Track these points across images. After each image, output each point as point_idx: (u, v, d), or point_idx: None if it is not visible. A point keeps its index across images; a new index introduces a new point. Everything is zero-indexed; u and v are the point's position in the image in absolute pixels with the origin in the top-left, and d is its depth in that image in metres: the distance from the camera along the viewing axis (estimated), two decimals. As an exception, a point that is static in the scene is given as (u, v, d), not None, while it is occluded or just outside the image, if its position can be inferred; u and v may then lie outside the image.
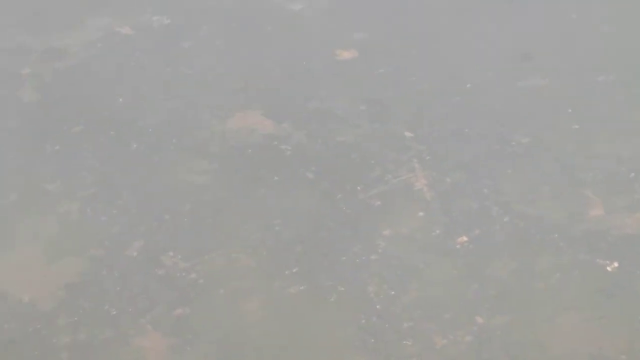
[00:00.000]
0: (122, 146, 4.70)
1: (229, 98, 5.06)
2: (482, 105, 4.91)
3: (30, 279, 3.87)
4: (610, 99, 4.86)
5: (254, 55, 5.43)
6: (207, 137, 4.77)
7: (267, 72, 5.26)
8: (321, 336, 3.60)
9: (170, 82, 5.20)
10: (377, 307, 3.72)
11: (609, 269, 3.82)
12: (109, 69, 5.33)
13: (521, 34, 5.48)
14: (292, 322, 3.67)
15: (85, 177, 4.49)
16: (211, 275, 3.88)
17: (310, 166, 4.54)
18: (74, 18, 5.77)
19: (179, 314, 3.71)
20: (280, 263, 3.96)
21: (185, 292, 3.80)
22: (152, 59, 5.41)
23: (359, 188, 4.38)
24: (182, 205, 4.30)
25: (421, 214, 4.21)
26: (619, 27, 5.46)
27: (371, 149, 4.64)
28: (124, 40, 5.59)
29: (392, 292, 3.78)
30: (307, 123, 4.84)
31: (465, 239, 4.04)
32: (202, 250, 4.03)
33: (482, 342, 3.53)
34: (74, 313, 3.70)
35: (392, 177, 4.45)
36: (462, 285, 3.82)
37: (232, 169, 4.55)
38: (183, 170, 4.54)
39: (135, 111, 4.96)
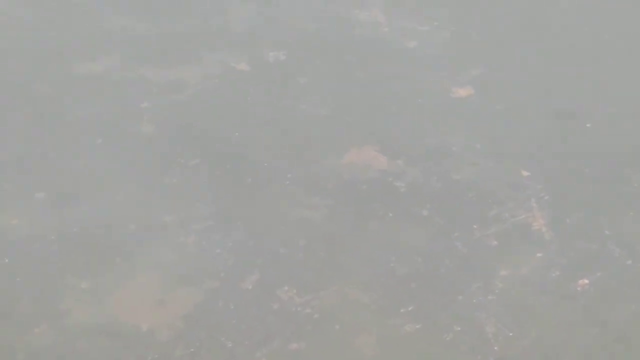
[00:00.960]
0: (237, 180, 4.73)
1: (344, 133, 5.06)
2: (602, 145, 4.81)
3: (149, 309, 3.91)
4: None
5: (368, 91, 5.42)
6: (321, 172, 4.77)
7: (382, 108, 5.25)
8: (437, 376, 3.55)
9: (285, 118, 5.23)
10: (495, 348, 3.65)
11: None
12: (225, 104, 5.38)
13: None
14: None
15: (201, 209, 4.53)
16: (326, 311, 3.87)
17: (425, 203, 4.50)
18: (192, 53, 5.85)
19: (294, 348, 3.70)
20: (395, 300, 3.92)
21: (301, 326, 3.79)
22: (268, 94, 5.45)
23: (475, 226, 4.33)
24: (297, 240, 4.31)
25: (539, 254, 4.13)
26: None
27: (487, 188, 4.58)
28: (240, 75, 5.65)
29: (510, 334, 3.71)
30: (422, 160, 4.81)
31: (586, 281, 3.95)
32: (317, 285, 4.01)
33: (605, 389, 3.43)
34: (191, 344, 3.72)
35: (510, 216, 4.38)
36: (582, 330, 3.72)
37: (347, 204, 4.54)
38: (297, 204, 4.55)
39: (249, 145, 5.00)
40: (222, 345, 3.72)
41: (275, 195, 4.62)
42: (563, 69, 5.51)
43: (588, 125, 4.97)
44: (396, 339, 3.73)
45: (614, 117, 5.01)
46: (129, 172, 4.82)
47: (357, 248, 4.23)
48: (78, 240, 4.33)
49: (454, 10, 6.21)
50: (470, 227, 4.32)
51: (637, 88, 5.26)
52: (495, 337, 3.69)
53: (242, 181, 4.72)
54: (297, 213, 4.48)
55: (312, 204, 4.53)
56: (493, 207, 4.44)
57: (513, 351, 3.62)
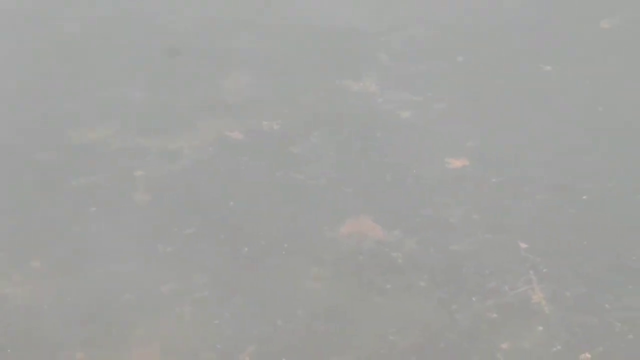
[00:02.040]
0: (233, 249, 4.70)
1: (340, 204, 5.04)
2: (600, 218, 4.81)
3: (146, 382, 3.85)
4: None
5: (363, 161, 5.42)
6: (318, 242, 4.74)
7: (377, 179, 5.25)
8: None
9: (280, 187, 5.21)
10: None
11: None
12: (220, 173, 5.37)
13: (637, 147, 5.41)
14: None
15: (197, 279, 4.48)
16: (326, 384, 3.82)
17: (423, 275, 4.48)
18: (188, 122, 5.85)
19: (295, 423, 3.64)
20: (396, 374, 3.88)
21: (301, 400, 3.74)
22: (262, 164, 5.44)
23: (474, 299, 4.30)
24: (295, 311, 4.27)
25: (540, 328, 4.10)
26: None
27: (486, 259, 4.56)
28: (234, 144, 5.65)
29: (514, 409, 3.67)
30: (419, 231, 4.79)
31: (588, 356, 3.92)
32: (316, 358, 3.97)
33: None
34: (189, 418, 3.66)
35: (509, 288, 4.36)
36: (586, 405, 3.69)
37: (344, 275, 4.51)
38: (294, 275, 4.52)
39: (245, 215, 4.97)
40: (221, 420, 3.65)
41: (272, 265, 4.59)
42: (559, 141, 5.52)
43: (584, 197, 4.97)
44: (398, 413, 3.68)
45: (611, 191, 5.02)
46: (124, 241, 4.78)
47: (357, 320, 4.19)
48: (72, 311, 4.27)
49: (448, 81, 6.24)
50: (469, 299, 4.30)
51: (636, 161, 5.28)
52: (499, 413, 3.65)
53: (239, 251, 4.69)
54: (295, 284, 4.45)
55: (311, 275, 4.50)
56: (492, 279, 4.42)
57: None
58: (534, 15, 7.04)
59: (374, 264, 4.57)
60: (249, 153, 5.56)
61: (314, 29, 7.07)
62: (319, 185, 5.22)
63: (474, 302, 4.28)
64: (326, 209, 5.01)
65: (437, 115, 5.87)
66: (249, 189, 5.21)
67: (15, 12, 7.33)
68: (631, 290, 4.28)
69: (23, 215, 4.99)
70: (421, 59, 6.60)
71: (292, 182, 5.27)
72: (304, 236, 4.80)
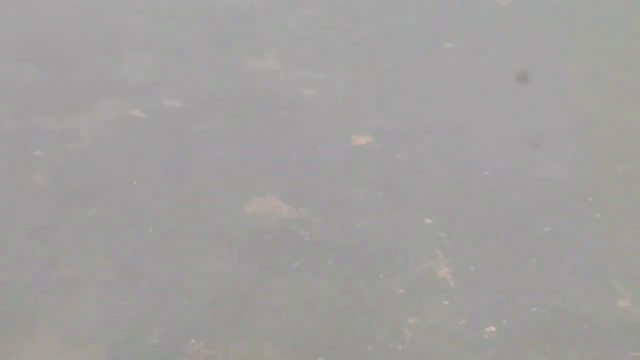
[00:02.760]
0: (138, 231, 4.62)
1: (245, 183, 5.00)
2: (501, 194, 4.88)
3: (50, 369, 3.76)
4: (631, 190, 4.84)
5: (267, 140, 5.39)
6: (224, 222, 4.70)
7: (281, 158, 5.22)
8: None
9: (184, 167, 5.15)
10: (408, 399, 3.63)
11: (643, 361, 3.76)
12: (122, 153, 5.28)
13: (537, 123, 5.48)
14: (321, 414, 3.57)
15: (101, 261, 4.40)
16: (236, 365, 3.79)
17: (331, 253, 4.48)
18: (86, 101, 5.72)
19: (205, 405, 3.61)
20: (305, 353, 3.87)
21: (210, 382, 3.70)
22: (165, 143, 5.36)
23: (381, 276, 4.32)
24: (202, 292, 4.22)
25: (446, 302, 4.15)
26: (636, 115, 5.47)
27: (391, 236, 4.58)
28: (135, 123, 5.55)
29: (423, 384, 3.70)
30: (325, 209, 4.79)
31: (493, 329, 3.97)
32: (225, 339, 3.93)
33: None
34: (97, 404, 3.59)
35: (415, 264, 4.39)
36: (492, 377, 3.74)
37: (251, 255, 4.48)
38: (201, 256, 4.47)
39: (150, 195, 4.89)
40: (130, 404, 3.60)
41: (177, 246, 4.53)
42: (462, 118, 5.58)
43: (486, 173, 5.04)
44: (308, 392, 3.67)
45: (514, 166, 5.09)
46: (23, 225, 4.66)
47: (265, 300, 4.17)
48: (-29, 297, 4.15)
49: (350, 59, 6.24)
50: (376, 276, 4.31)
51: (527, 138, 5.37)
52: (408, 388, 3.68)
53: (144, 232, 4.61)
54: (202, 265, 4.40)
55: (217, 256, 4.45)
56: (398, 255, 4.44)
57: (426, 402, 3.61)
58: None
59: (280, 243, 4.55)
60: (151, 132, 5.47)
61: (209, 8, 6.99)
62: (223, 164, 5.17)
63: (381, 278, 4.29)
64: (231, 188, 4.96)
65: (340, 93, 5.87)
66: (152, 169, 5.12)
67: None
68: (534, 265, 4.36)
69: None
70: (321, 37, 6.59)
71: (196, 161, 5.21)
72: (210, 216, 4.75)
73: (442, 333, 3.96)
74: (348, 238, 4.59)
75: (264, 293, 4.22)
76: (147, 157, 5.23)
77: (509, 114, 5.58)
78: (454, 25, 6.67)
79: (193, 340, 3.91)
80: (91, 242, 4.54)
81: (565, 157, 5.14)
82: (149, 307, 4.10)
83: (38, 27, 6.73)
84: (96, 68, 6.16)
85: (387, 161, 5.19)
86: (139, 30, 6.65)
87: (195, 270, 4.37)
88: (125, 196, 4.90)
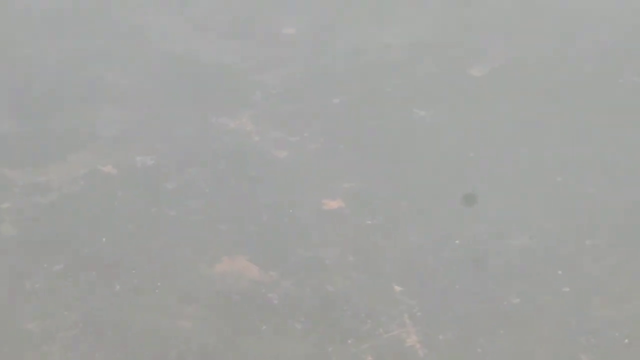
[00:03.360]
0: (105, 287, 4.57)
1: (215, 242, 4.98)
2: (472, 262, 4.88)
3: None
4: (600, 263, 4.86)
5: (239, 200, 5.38)
6: (192, 281, 4.66)
7: (253, 218, 5.20)
8: None
9: (154, 224, 5.11)
10: None
11: None
12: (92, 207, 5.24)
13: (508, 190, 5.51)
14: None
15: (66, 317, 4.34)
16: None
17: (299, 316, 4.45)
18: (57, 154, 5.69)
19: None
20: (271, 417, 3.82)
21: None
22: (136, 199, 5.33)
23: (349, 341, 4.29)
24: (168, 351, 4.17)
25: (415, 371, 4.12)
26: (605, 190, 5.50)
27: (361, 301, 4.56)
28: (106, 178, 5.52)
29: None
30: (295, 272, 4.77)
31: (462, 399, 3.95)
32: (190, 400, 3.88)
33: None
34: None
35: (383, 331, 4.36)
36: None
37: (219, 315, 4.43)
38: (168, 314, 4.42)
39: (118, 252, 4.85)
40: None
41: (145, 304, 4.48)
42: (433, 186, 5.59)
43: (457, 242, 5.04)
44: None
45: (482, 235, 5.10)
46: (-11, 276, 4.59)
47: (231, 362, 4.12)
48: None
49: (323, 123, 6.26)
50: (345, 342, 4.28)
51: (509, 207, 5.38)
52: None
53: (111, 288, 4.56)
54: (169, 323, 4.35)
55: (184, 315, 4.41)
56: (367, 321, 4.42)
57: None
58: (406, 62, 7.15)
59: (249, 304, 4.51)
60: (122, 188, 5.44)
61: (183, 63, 7.01)
62: (194, 222, 5.14)
63: (350, 344, 4.26)
64: (201, 246, 4.93)
65: (313, 156, 5.87)
66: (122, 224, 5.08)
67: None
68: (502, 335, 4.34)
69: None
70: (296, 99, 6.61)
71: (166, 218, 5.17)
72: (178, 274, 4.71)
73: (410, 402, 3.93)
74: (318, 302, 4.56)
75: (231, 355, 4.17)
76: (117, 213, 5.20)
77: (480, 181, 5.59)
78: (428, 93, 6.71)
79: (157, 401, 3.86)
80: (57, 296, 4.48)
81: (536, 228, 5.15)
82: (113, 365, 4.04)
83: (12, 74, 6.71)
84: (70, 120, 6.15)
85: (358, 225, 5.18)
86: (115, 83, 6.65)
87: (161, 328, 4.32)
88: (93, 251, 4.85)
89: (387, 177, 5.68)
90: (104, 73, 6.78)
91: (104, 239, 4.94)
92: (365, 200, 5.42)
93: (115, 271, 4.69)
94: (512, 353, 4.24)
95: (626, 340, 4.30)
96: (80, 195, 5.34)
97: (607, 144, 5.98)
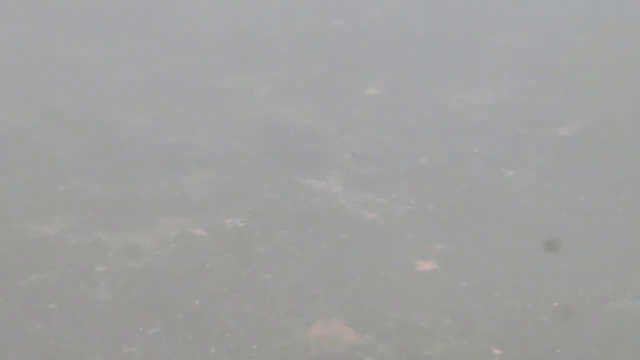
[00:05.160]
0: (201, 350, 4.55)
1: (309, 306, 4.93)
2: (572, 326, 4.76)
3: None
4: None
5: (331, 263, 5.34)
6: (288, 345, 4.61)
7: (346, 281, 5.15)
8: None
9: (247, 287, 5.09)
10: None
11: None
12: (184, 270, 5.23)
13: (606, 254, 5.40)
14: None
15: (164, 381, 4.32)
16: None
17: (397, 381, 4.38)
18: (147, 217, 5.73)
19: None
20: None
21: None
22: (228, 262, 5.32)
23: (451, 407, 4.20)
24: (267, 417, 4.12)
25: None
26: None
27: (460, 366, 4.48)
28: (198, 241, 5.53)
29: None
30: (391, 335, 4.69)
31: None
32: None
33: None
34: None
35: (485, 396, 4.27)
36: None
37: (317, 380, 4.38)
38: (265, 379, 4.38)
39: (212, 315, 4.83)
40: None
41: (242, 368, 4.44)
42: (524, 245, 5.50)
43: (555, 304, 4.94)
44: None
45: (582, 298, 4.99)
46: (86, 341, 4.59)
47: None
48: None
49: (411, 184, 6.22)
50: (446, 407, 4.20)
51: (604, 265, 5.27)
52: None
53: (207, 352, 4.53)
54: (267, 388, 4.30)
55: (282, 379, 4.36)
56: (467, 386, 4.33)
57: None
58: (495, 122, 7.11)
59: (346, 369, 4.46)
60: (214, 250, 5.44)
61: (271, 127, 7.06)
62: (287, 286, 5.11)
63: (451, 410, 4.18)
64: (295, 310, 4.89)
65: (403, 217, 5.83)
66: (214, 287, 5.07)
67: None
68: (609, 400, 4.23)
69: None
70: (382, 160, 6.60)
71: (259, 281, 5.15)
72: (273, 338, 4.67)
73: None
74: (415, 366, 4.49)
75: (331, 420, 4.11)
76: (210, 275, 5.19)
77: (575, 242, 5.49)
78: (516, 153, 6.65)
79: None
80: (154, 359, 4.48)
81: (636, 290, 5.03)
82: None
83: (101, 139, 6.81)
84: (159, 183, 6.19)
85: (453, 287, 5.10)
86: (203, 146, 6.71)
87: (260, 393, 4.28)
88: (188, 314, 4.83)
89: (479, 237, 5.61)
90: (192, 137, 6.84)
91: (197, 302, 4.93)
92: (458, 261, 5.34)
93: (210, 334, 4.66)
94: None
95: None
96: (172, 258, 5.35)
97: None
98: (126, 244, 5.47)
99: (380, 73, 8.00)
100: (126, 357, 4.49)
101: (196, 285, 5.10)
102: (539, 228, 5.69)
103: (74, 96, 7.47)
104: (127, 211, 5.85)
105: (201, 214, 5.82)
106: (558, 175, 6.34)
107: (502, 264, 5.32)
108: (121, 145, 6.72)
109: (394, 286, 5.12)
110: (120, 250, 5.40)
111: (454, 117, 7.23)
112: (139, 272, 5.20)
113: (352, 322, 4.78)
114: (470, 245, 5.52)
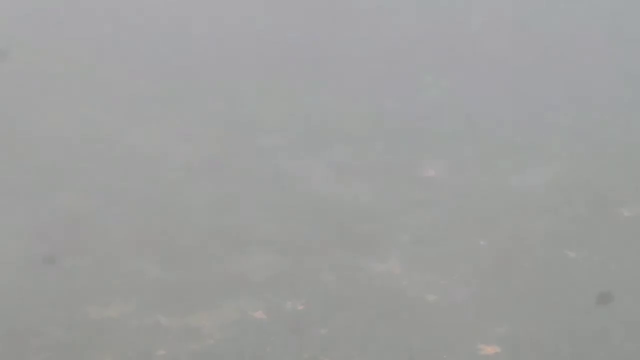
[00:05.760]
0: None
1: (371, 390, 4.87)
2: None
3: None
4: None
5: (391, 346, 5.27)
6: None
7: (407, 364, 5.09)
8: None
9: (309, 371, 5.05)
10: None
11: None
12: (245, 354, 5.21)
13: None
14: None
15: None
16: None
17: None
18: (207, 299, 5.72)
19: None
20: None
21: None
22: (288, 345, 5.29)
23: None
24: None
25: None
26: None
27: None
28: (258, 324, 5.50)
29: None
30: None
31: None
32: None
33: None
34: None
35: None
36: None
37: None
38: None
39: (273, 399, 4.79)
40: None
41: None
42: (591, 328, 5.40)
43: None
44: None
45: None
46: None
47: None
48: None
49: (472, 265, 6.16)
50: None
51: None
52: None
53: None
54: None
55: None
56: None
57: None
58: (552, 201, 7.04)
59: None
60: (273, 333, 5.41)
61: (328, 207, 7.05)
62: (349, 370, 5.06)
63: None
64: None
65: (465, 299, 5.76)
66: (275, 373, 5.04)
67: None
68: None
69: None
70: (442, 241, 6.55)
71: (315, 367, 5.11)
72: None
73: None
74: None
75: None
76: (270, 359, 5.15)
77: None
78: (578, 233, 6.56)
79: None
80: None
81: None
82: None
83: (162, 221, 6.84)
84: (218, 265, 6.19)
85: (518, 373, 5.01)
86: (262, 226, 6.71)
87: None
88: (249, 400, 4.80)
89: (543, 320, 5.51)
90: (252, 218, 6.85)
91: (259, 387, 4.89)
92: (522, 345, 5.25)
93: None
94: None
95: None
96: (233, 341, 5.33)
97: None
98: (186, 326, 5.46)
99: (438, 153, 7.99)
100: None
101: (257, 369, 5.07)
102: (604, 312, 5.58)
103: (132, 179, 7.53)
104: (187, 293, 5.84)
105: (260, 296, 5.80)
106: (622, 257, 6.24)
107: (567, 347, 5.21)
108: (180, 227, 6.74)
109: (457, 371, 5.04)
110: (180, 332, 5.39)
111: (514, 196, 7.17)
112: (200, 356, 5.18)
113: (416, 408, 4.70)
114: (534, 328, 5.43)
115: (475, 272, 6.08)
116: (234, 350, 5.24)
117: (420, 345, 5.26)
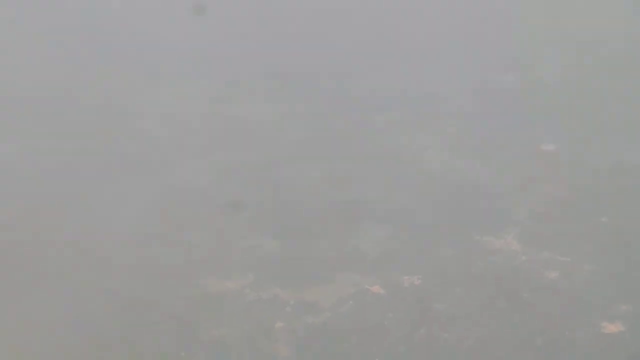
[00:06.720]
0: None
1: (491, 366, 4.80)
2: None
3: None
4: None
5: (509, 323, 5.19)
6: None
7: (527, 342, 4.99)
8: None
9: (425, 346, 5.00)
10: None
11: None
12: (362, 328, 5.19)
13: None
14: None
15: None
16: None
17: None
18: (324, 273, 5.73)
19: None
20: None
21: None
22: (405, 319, 5.25)
23: None
24: None
25: None
26: None
27: None
28: (375, 298, 5.48)
29: None
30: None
31: None
32: None
33: None
34: None
35: None
36: None
37: None
38: None
39: (392, 374, 4.77)
40: None
41: None
42: None
43: None
44: None
45: None
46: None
47: None
48: None
49: (593, 242, 6.02)
50: None
51: None
52: None
53: (388, 413, 4.46)
54: None
55: None
56: None
57: None
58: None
59: None
60: (391, 308, 5.38)
61: (446, 183, 6.97)
62: (467, 346, 4.99)
63: None
64: (476, 370, 4.77)
65: (586, 277, 5.62)
66: (392, 345, 5.00)
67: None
68: None
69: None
70: (561, 218, 6.41)
71: (438, 340, 5.05)
72: (455, 399, 4.56)
73: None
74: None
75: None
76: (387, 333, 5.12)
77: None
78: None
79: None
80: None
81: None
82: None
83: (275, 196, 6.87)
84: (334, 240, 6.18)
85: (642, 351, 4.88)
86: (379, 203, 6.68)
87: None
88: (367, 373, 4.79)
89: (668, 299, 5.35)
90: (368, 193, 6.83)
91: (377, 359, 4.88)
92: (646, 323, 5.11)
93: (390, 394, 4.59)
94: None
95: None
96: (350, 314, 5.31)
97: None
98: (303, 300, 5.47)
99: (559, 129, 7.83)
100: (307, 414, 4.47)
101: (374, 343, 5.04)
102: None
103: (249, 153, 7.59)
104: (303, 267, 5.86)
105: (377, 271, 5.77)
106: None
107: (694, 327, 5.05)
108: (297, 202, 6.76)
109: (579, 348, 4.92)
110: (297, 306, 5.41)
111: (635, 174, 6.98)
112: (318, 329, 5.19)
113: (537, 385, 4.62)
114: (659, 306, 5.28)
115: (597, 250, 5.94)
116: (351, 324, 5.23)
117: (541, 323, 5.16)
